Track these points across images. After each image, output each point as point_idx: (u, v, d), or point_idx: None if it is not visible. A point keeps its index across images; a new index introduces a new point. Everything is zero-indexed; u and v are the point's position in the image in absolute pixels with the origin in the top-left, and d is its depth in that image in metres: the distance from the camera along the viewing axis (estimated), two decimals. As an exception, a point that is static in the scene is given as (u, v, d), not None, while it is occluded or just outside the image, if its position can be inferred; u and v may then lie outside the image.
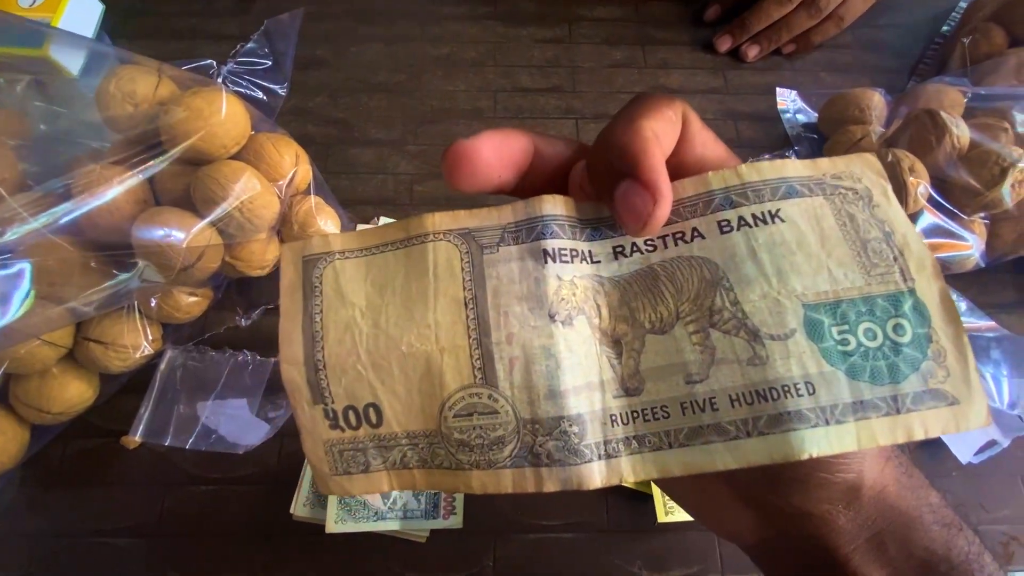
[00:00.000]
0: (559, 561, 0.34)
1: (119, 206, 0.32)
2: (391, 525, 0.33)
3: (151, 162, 0.34)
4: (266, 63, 0.50)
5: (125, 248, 0.32)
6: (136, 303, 0.35)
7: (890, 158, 0.39)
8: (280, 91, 0.48)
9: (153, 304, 0.35)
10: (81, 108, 0.41)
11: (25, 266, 0.28)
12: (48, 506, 0.35)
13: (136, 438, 0.36)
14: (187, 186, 0.35)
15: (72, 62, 0.46)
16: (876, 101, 0.45)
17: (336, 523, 0.33)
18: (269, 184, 0.35)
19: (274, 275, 0.41)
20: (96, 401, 0.36)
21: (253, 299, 0.41)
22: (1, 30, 0.43)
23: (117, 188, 0.32)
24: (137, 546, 0.34)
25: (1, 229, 0.31)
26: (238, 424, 0.36)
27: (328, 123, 0.48)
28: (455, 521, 0.33)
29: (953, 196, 0.39)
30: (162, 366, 0.37)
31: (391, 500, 0.34)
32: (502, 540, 0.35)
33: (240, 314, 0.40)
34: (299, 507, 0.34)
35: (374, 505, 0.34)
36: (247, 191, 0.33)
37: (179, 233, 0.31)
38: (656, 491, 0.34)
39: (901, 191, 0.38)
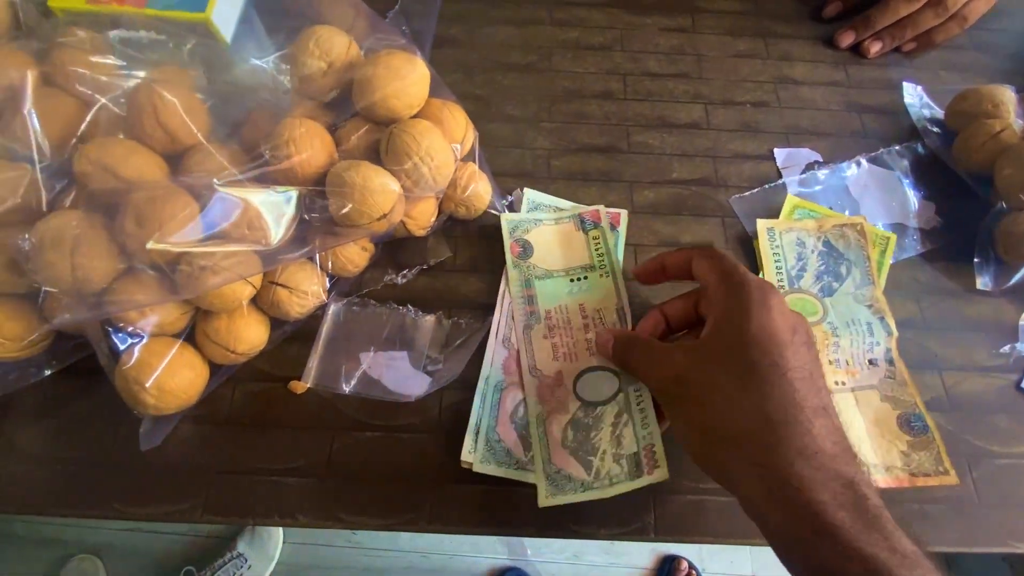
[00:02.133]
0: (716, 522, 0.35)
1: (316, 157, 0.34)
2: (598, 495, 0.33)
3: (342, 119, 0.36)
4: (401, 40, 0.51)
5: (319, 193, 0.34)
6: (316, 255, 0.36)
7: (1040, 148, 0.39)
8: (419, 66, 0.50)
9: (327, 257, 0.37)
10: (234, 76, 0.43)
11: (294, 193, 0.29)
12: (221, 443, 0.36)
13: (306, 383, 0.37)
14: (370, 142, 0.36)
15: (227, 29, 0.48)
16: (1009, 97, 0.46)
17: (548, 497, 0.33)
18: (448, 145, 0.36)
19: (425, 238, 0.42)
20: (263, 348, 0.38)
21: (402, 261, 0.42)
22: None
23: (316, 141, 0.34)
24: (307, 485, 0.35)
25: (208, 179, 0.33)
26: (400, 375, 0.38)
27: (466, 99, 0.49)
28: (660, 474, 0.33)
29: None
30: (329, 316, 0.39)
31: (593, 471, 0.34)
32: (661, 499, 0.36)
33: (393, 273, 0.41)
34: (477, 463, 0.34)
35: (579, 478, 0.33)
36: (435, 149, 0.35)
37: (391, 183, 0.33)
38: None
39: (1053, 180, 0.39)
